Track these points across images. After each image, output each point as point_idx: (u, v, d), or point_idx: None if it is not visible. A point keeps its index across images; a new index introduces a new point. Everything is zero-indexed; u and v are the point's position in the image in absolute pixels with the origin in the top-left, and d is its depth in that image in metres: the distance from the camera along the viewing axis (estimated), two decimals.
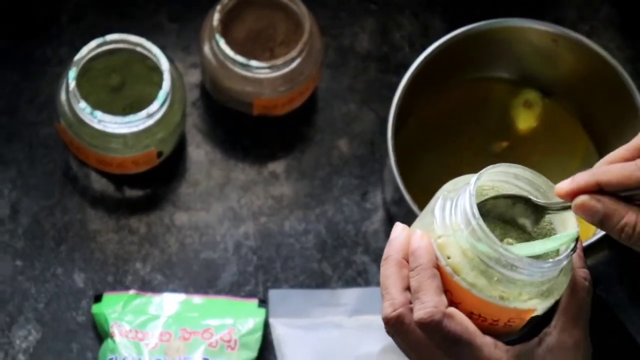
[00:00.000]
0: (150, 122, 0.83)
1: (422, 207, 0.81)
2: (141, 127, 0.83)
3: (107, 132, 0.83)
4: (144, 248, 0.88)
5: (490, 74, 0.90)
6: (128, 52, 0.85)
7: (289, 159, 0.91)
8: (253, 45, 0.87)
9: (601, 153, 0.89)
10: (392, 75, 0.93)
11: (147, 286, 0.87)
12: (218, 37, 0.85)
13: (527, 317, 0.62)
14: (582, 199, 0.61)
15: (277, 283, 0.87)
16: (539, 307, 0.62)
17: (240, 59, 0.84)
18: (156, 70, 0.84)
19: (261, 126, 0.91)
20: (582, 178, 0.62)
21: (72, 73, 0.82)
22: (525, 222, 0.64)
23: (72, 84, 0.82)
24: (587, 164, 0.89)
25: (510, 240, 0.64)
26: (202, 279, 0.87)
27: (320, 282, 0.87)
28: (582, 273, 0.65)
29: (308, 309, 0.86)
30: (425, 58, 0.84)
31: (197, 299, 0.85)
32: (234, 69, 0.86)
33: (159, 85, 0.84)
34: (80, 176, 0.89)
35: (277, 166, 0.90)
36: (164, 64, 0.83)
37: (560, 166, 0.89)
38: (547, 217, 0.63)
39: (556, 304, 0.63)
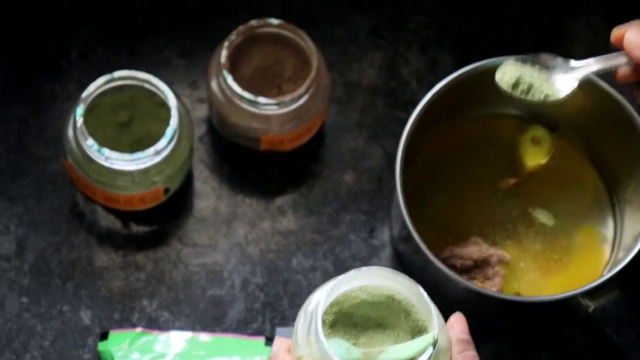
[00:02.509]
0: (158, 159, 0.82)
1: (429, 244, 0.80)
2: (149, 164, 0.82)
3: (114, 170, 0.83)
4: (150, 285, 0.88)
5: (499, 111, 0.90)
6: (136, 89, 0.85)
7: (296, 195, 0.90)
8: (260, 82, 0.87)
9: (611, 189, 0.89)
10: (399, 111, 0.93)
11: (154, 323, 0.86)
12: (226, 73, 0.85)
13: None
14: (635, 29, 0.71)
15: (284, 320, 0.87)
16: None
17: (247, 95, 0.84)
18: (164, 106, 0.84)
19: (268, 162, 0.91)
20: (636, 21, 0.72)
21: (80, 110, 0.82)
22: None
23: (80, 120, 0.82)
24: (598, 201, 0.88)
25: (381, 348, 0.63)
26: (209, 316, 0.87)
27: None
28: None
29: None
30: (434, 95, 0.83)
31: (204, 337, 0.85)
32: (241, 105, 0.86)
33: (166, 122, 0.84)
34: (87, 212, 0.89)
35: (284, 202, 0.90)
36: (172, 100, 0.83)
37: (569, 203, 0.88)
38: (420, 315, 0.63)
39: None
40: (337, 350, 0.61)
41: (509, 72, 0.76)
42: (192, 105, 0.92)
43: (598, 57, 0.75)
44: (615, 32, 0.73)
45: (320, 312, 0.61)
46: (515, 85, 0.75)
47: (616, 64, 0.74)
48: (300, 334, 0.63)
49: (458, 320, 0.64)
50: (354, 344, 0.63)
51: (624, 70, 0.74)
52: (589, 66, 0.76)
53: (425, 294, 0.63)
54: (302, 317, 0.63)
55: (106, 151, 0.81)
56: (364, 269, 0.63)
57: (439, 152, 0.89)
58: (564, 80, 0.75)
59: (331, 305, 0.62)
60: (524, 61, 0.76)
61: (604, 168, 0.89)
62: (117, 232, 0.89)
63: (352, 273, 0.62)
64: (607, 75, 0.94)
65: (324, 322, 0.62)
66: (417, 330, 0.64)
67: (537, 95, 0.75)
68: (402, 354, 0.62)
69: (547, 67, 0.75)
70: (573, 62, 0.76)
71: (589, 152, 0.89)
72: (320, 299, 0.61)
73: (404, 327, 0.64)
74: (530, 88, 0.75)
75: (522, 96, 0.75)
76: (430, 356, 0.61)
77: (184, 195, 0.90)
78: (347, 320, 0.63)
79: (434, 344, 0.61)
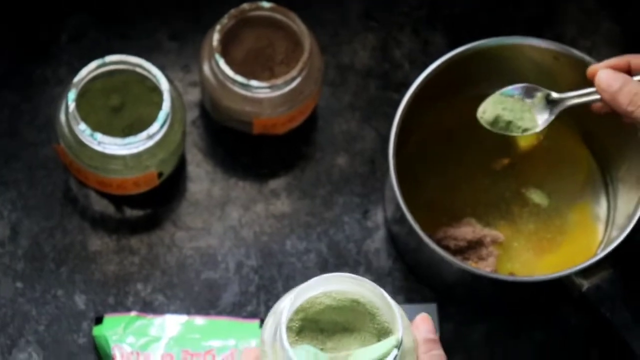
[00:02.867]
0: (151, 143, 0.82)
1: (423, 225, 0.80)
2: (141, 148, 0.82)
3: (107, 154, 0.82)
4: (144, 269, 0.87)
5: (491, 91, 0.90)
6: (127, 73, 0.84)
7: (289, 178, 0.90)
8: (253, 65, 0.87)
9: (604, 169, 0.89)
10: (392, 93, 0.93)
11: (149, 307, 0.86)
12: (218, 56, 0.84)
13: None
14: (606, 70, 0.77)
15: None
16: None
17: (240, 78, 0.84)
18: (156, 90, 0.84)
19: (261, 145, 0.91)
20: (614, 59, 0.78)
21: (72, 95, 0.82)
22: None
23: (72, 105, 0.82)
24: (591, 180, 0.89)
25: (348, 352, 0.63)
26: (204, 300, 0.87)
27: None
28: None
29: None
30: (427, 76, 0.83)
31: (199, 320, 0.85)
32: (233, 89, 0.85)
33: (158, 106, 0.83)
34: (80, 197, 0.89)
35: (278, 185, 0.90)
36: (164, 84, 0.83)
37: (563, 183, 0.88)
38: (384, 317, 0.64)
39: None
40: (304, 357, 0.62)
41: (489, 111, 0.82)
42: (185, 89, 0.91)
43: (576, 92, 0.80)
44: (590, 69, 0.79)
45: (284, 320, 0.62)
46: (494, 122, 0.82)
47: (592, 99, 0.79)
48: (267, 341, 0.63)
49: (424, 320, 0.64)
50: (322, 349, 0.64)
51: (598, 104, 0.80)
52: (566, 100, 0.81)
53: (388, 297, 0.63)
54: (269, 322, 0.64)
55: (99, 136, 0.81)
56: (326, 275, 0.63)
57: (432, 133, 0.89)
58: (542, 112, 0.81)
59: (296, 312, 0.63)
60: (507, 94, 0.82)
61: (597, 147, 0.89)
62: (110, 217, 0.89)
63: (316, 280, 0.63)
64: (600, 55, 0.94)
65: (290, 329, 0.63)
66: (383, 333, 0.64)
67: (515, 130, 0.81)
68: (368, 356, 0.63)
69: (529, 98, 0.81)
70: (553, 95, 0.81)
71: (582, 132, 0.89)
72: (285, 307, 0.62)
73: (370, 330, 0.64)
74: (508, 124, 0.81)
75: (502, 132, 0.82)
76: (396, 357, 0.62)
77: (178, 179, 0.90)
78: (313, 326, 0.64)
79: (399, 346, 0.62)
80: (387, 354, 0.62)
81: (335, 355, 0.63)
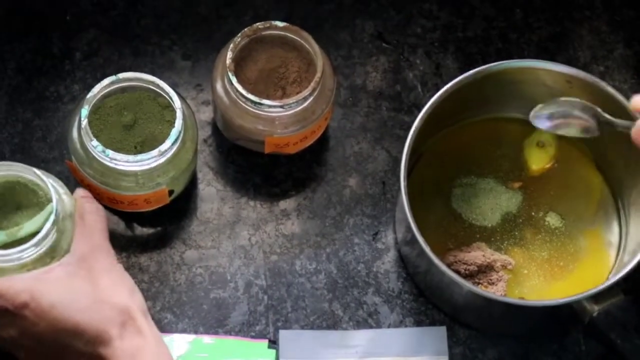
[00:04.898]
0: (162, 160, 0.82)
1: (434, 247, 0.80)
2: (153, 165, 0.82)
3: (119, 170, 0.82)
4: (153, 286, 0.87)
5: (504, 114, 0.90)
6: (140, 90, 0.85)
7: (300, 198, 0.90)
8: (265, 84, 0.87)
9: (615, 194, 0.89)
10: (404, 115, 0.93)
11: (157, 325, 0.86)
12: (231, 75, 0.85)
13: None
14: None
15: (288, 323, 0.87)
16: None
17: (252, 97, 0.84)
18: (168, 108, 0.84)
19: (272, 164, 0.91)
20: None
21: (85, 111, 0.82)
22: None
23: (85, 122, 0.82)
24: (603, 205, 0.88)
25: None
26: (212, 318, 0.87)
27: (331, 322, 0.87)
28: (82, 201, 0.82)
29: (318, 351, 0.85)
30: (438, 98, 0.83)
31: (207, 339, 0.85)
32: (246, 107, 0.86)
33: (170, 123, 0.84)
34: None
35: (288, 204, 0.90)
36: (177, 102, 0.83)
37: (575, 208, 0.88)
38: (44, 191, 0.80)
39: None
40: None
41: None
42: (197, 108, 0.92)
43: (624, 122, 0.78)
44: (636, 102, 0.76)
45: None
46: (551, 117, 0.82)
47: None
48: None
49: (78, 189, 0.83)
50: None
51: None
52: (615, 125, 0.79)
53: (39, 172, 0.80)
54: None
55: (110, 152, 0.81)
56: None
57: (443, 155, 0.89)
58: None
59: None
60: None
61: (609, 172, 0.89)
62: (120, 234, 0.89)
63: None
64: (613, 80, 0.94)
65: None
66: (47, 204, 0.80)
67: (574, 132, 0.81)
68: (34, 225, 0.79)
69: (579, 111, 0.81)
70: (605, 115, 0.80)
71: (594, 157, 0.89)
72: None
73: (37, 204, 0.81)
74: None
75: (559, 131, 0.82)
76: (55, 220, 0.78)
77: (188, 197, 0.90)
78: None
79: (55, 211, 0.78)
80: (47, 219, 0.78)
81: (10, 230, 0.79)
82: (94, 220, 0.81)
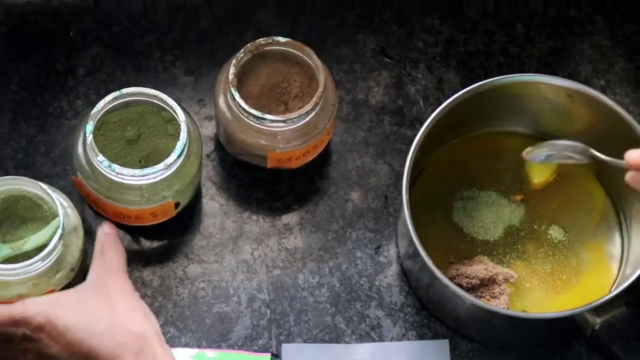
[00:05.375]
0: (167, 173, 0.83)
1: (436, 260, 0.80)
2: (158, 178, 0.83)
3: (125, 185, 0.83)
4: (156, 301, 0.88)
5: (505, 128, 0.90)
6: (144, 105, 0.85)
7: (302, 212, 0.91)
8: (267, 99, 0.87)
9: (617, 206, 0.89)
10: (406, 129, 0.93)
11: None
12: (233, 90, 0.85)
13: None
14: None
15: (291, 337, 0.87)
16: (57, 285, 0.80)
17: (255, 112, 0.85)
18: (172, 122, 0.85)
19: (275, 179, 0.91)
20: None
21: (89, 127, 0.83)
22: None
23: (90, 137, 0.82)
24: (605, 218, 0.89)
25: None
26: (215, 333, 0.87)
27: (333, 336, 0.87)
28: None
29: None
30: (440, 112, 0.84)
31: (210, 353, 0.85)
32: (248, 122, 0.86)
33: (174, 137, 0.84)
34: (95, 228, 0.89)
35: (291, 219, 0.90)
36: (181, 115, 0.84)
37: (577, 221, 0.88)
38: (49, 205, 0.81)
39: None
40: None
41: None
42: (200, 123, 0.92)
43: (616, 160, 0.78)
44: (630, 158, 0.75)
45: None
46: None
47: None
48: None
49: (107, 224, 0.84)
50: (3, 242, 0.80)
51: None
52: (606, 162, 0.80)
53: (45, 186, 0.80)
54: None
55: (117, 167, 0.82)
56: None
57: (445, 169, 0.89)
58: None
59: None
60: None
61: (611, 185, 0.89)
62: (124, 248, 0.89)
63: None
64: (614, 94, 0.94)
65: None
66: (52, 218, 0.81)
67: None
68: (39, 239, 0.80)
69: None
70: (594, 153, 0.80)
71: (596, 169, 0.89)
72: None
73: (41, 218, 0.81)
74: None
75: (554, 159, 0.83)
76: (61, 235, 0.79)
77: (191, 212, 0.90)
78: None
79: (62, 225, 0.79)
80: (54, 234, 0.79)
81: (15, 244, 0.79)
82: (113, 255, 0.81)
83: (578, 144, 0.81)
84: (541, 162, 0.83)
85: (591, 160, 0.81)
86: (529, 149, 0.83)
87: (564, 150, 0.82)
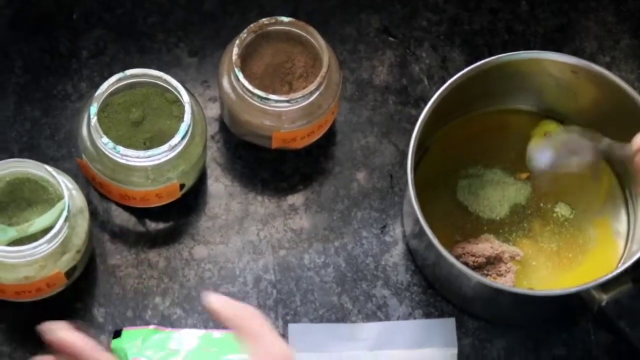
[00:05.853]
0: (172, 154, 0.83)
1: (442, 239, 0.80)
2: (163, 160, 0.83)
3: (130, 166, 0.83)
4: (163, 282, 0.88)
5: (510, 106, 0.90)
6: (148, 86, 0.85)
7: (308, 192, 0.91)
8: (271, 79, 0.87)
9: (623, 184, 0.89)
10: (411, 108, 0.93)
11: (167, 321, 0.86)
12: (237, 71, 0.85)
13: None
14: None
15: (297, 317, 0.87)
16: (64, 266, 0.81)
17: (259, 92, 0.84)
18: (176, 103, 0.85)
19: (280, 159, 0.91)
20: None
21: (94, 109, 0.83)
22: None
23: (94, 119, 0.82)
24: (611, 196, 0.88)
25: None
26: None
27: (340, 316, 0.87)
28: None
29: (328, 344, 0.85)
30: (444, 91, 0.84)
31: (217, 334, 0.85)
32: (252, 103, 0.86)
33: (179, 118, 0.84)
34: (100, 211, 0.89)
35: (296, 199, 0.90)
36: (185, 96, 0.84)
37: (583, 199, 0.88)
38: (54, 187, 0.81)
39: None
40: None
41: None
42: (204, 104, 0.92)
43: (623, 146, 0.78)
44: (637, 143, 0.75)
45: None
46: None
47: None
48: None
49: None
50: (9, 225, 0.80)
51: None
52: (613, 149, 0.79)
53: (50, 169, 0.80)
54: None
55: (121, 149, 0.82)
56: None
57: (450, 148, 0.89)
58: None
59: None
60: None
61: (617, 164, 0.88)
62: (129, 230, 0.89)
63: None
64: (619, 70, 0.94)
65: None
66: (57, 200, 0.80)
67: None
68: (44, 222, 0.79)
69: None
70: (601, 146, 0.80)
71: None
72: None
73: (47, 201, 0.81)
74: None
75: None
76: (67, 217, 0.79)
77: (197, 194, 0.90)
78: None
79: (67, 207, 0.78)
80: (59, 216, 0.79)
81: (21, 226, 0.79)
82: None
83: (585, 133, 0.80)
84: (546, 169, 0.82)
85: (596, 157, 0.80)
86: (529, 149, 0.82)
87: (569, 144, 0.81)
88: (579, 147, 0.80)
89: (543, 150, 0.82)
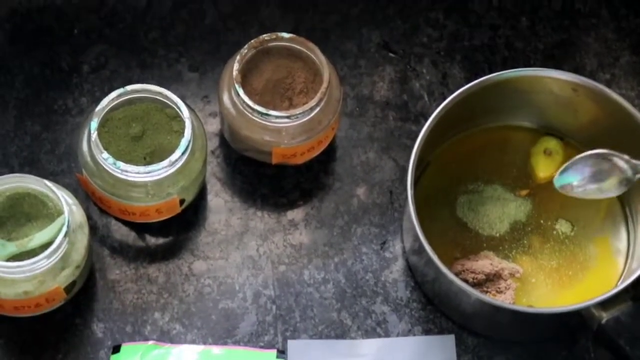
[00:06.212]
0: (172, 170, 0.83)
1: (441, 256, 0.80)
2: (163, 175, 0.83)
3: (130, 181, 0.83)
4: (162, 297, 0.88)
5: (510, 123, 0.90)
6: (148, 102, 0.85)
7: (307, 208, 0.91)
8: (272, 95, 0.87)
9: (624, 202, 0.88)
10: (411, 124, 0.93)
11: (166, 336, 0.86)
12: (237, 86, 0.85)
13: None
14: None
15: (296, 333, 0.87)
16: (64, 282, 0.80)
17: (259, 108, 0.85)
18: (176, 118, 0.85)
19: (280, 175, 0.91)
20: None
21: (94, 124, 0.83)
22: None
23: (94, 134, 0.82)
24: (611, 214, 0.88)
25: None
26: (221, 329, 0.87)
27: (339, 332, 0.87)
28: None
29: None
30: (444, 107, 0.84)
31: (216, 350, 0.85)
32: (253, 118, 0.86)
33: (179, 134, 0.84)
34: (100, 226, 0.89)
35: (296, 215, 0.90)
36: (185, 112, 0.84)
37: (583, 215, 0.88)
38: (54, 202, 0.80)
39: None
40: None
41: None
42: (204, 120, 0.92)
43: None
44: None
45: None
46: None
47: None
48: None
49: None
50: (8, 240, 0.80)
51: None
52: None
53: (50, 184, 0.80)
54: None
55: (122, 164, 0.82)
56: None
57: (450, 164, 0.89)
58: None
59: None
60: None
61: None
62: (129, 245, 0.89)
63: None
64: (619, 87, 0.94)
65: None
66: (57, 215, 0.81)
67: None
68: (44, 237, 0.79)
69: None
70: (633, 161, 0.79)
71: None
72: None
73: (46, 216, 0.81)
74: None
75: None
76: (67, 232, 0.79)
77: (197, 209, 0.90)
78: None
79: (67, 222, 0.79)
80: (59, 231, 0.79)
81: (20, 241, 0.79)
82: None
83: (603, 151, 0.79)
84: (571, 191, 0.81)
85: (621, 186, 0.79)
86: (559, 173, 0.81)
87: (591, 164, 0.80)
88: (605, 171, 0.80)
89: (571, 171, 0.81)
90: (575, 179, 0.81)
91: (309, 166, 0.91)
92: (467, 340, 0.87)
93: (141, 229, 0.89)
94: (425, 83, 0.94)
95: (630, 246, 0.87)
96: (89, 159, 0.84)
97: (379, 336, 0.87)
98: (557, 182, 0.82)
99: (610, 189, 0.81)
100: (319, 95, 0.85)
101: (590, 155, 0.80)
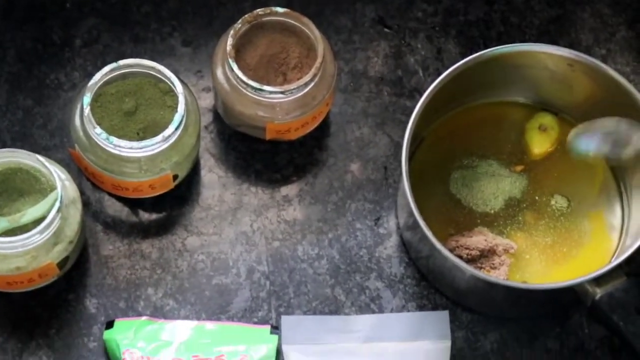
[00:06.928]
0: (166, 145, 0.82)
1: (436, 232, 0.80)
2: (156, 150, 0.82)
3: (122, 157, 0.83)
4: (155, 273, 0.87)
5: (505, 98, 0.90)
6: (141, 76, 0.84)
7: (301, 184, 0.90)
8: (266, 70, 0.87)
9: (618, 178, 0.88)
10: (405, 99, 0.92)
11: (159, 312, 0.86)
12: (231, 61, 0.84)
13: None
14: None
15: (290, 309, 0.87)
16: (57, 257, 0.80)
17: (253, 83, 0.84)
18: (169, 93, 0.84)
19: (274, 150, 0.91)
20: None
21: (87, 99, 0.82)
22: None
23: (87, 109, 0.82)
24: (605, 189, 0.88)
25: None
26: (215, 305, 0.87)
27: (333, 308, 0.87)
28: None
29: (321, 336, 0.85)
30: (439, 83, 0.83)
31: (210, 325, 0.85)
32: (246, 94, 0.85)
33: (172, 109, 0.84)
34: (93, 201, 0.89)
35: (290, 190, 0.90)
36: (178, 87, 0.83)
37: (578, 191, 0.88)
38: (47, 177, 0.80)
39: None
40: None
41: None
42: (198, 95, 0.91)
43: None
44: None
45: None
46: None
47: None
48: None
49: None
50: (0, 215, 0.80)
51: None
52: None
53: (43, 159, 0.80)
54: None
55: (114, 139, 0.81)
56: None
57: (445, 139, 0.89)
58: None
59: None
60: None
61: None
62: (122, 221, 0.89)
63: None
64: (615, 62, 0.94)
65: None
66: (50, 190, 0.80)
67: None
68: (37, 212, 0.79)
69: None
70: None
71: None
72: None
73: (39, 191, 0.81)
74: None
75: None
76: (59, 207, 0.78)
77: (190, 184, 0.90)
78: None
79: (60, 198, 0.78)
80: (52, 206, 0.78)
81: (13, 217, 0.79)
82: None
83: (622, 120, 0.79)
84: (587, 152, 0.81)
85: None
86: (573, 132, 0.81)
87: (608, 131, 0.80)
88: (627, 137, 0.80)
89: (590, 135, 0.81)
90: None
91: (303, 142, 0.91)
92: (461, 316, 0.87)
93: (134, 204, 0.89)
94: (420, 58, 0.94)
95: (625, 222, 0.87)
96: (81, 134, 0.84)
97: (373, 312, 0.87)
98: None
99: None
100: (313, 70, 0.84)
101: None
